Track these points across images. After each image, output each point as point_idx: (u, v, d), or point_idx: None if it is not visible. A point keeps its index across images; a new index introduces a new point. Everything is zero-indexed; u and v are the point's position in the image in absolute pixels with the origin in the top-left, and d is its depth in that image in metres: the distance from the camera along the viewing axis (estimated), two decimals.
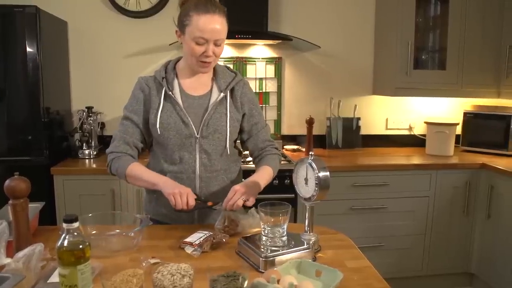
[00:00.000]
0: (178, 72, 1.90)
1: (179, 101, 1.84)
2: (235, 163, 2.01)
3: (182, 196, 1.66)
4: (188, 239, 1.59)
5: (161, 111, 1.82)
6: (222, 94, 1.87)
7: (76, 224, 1.14)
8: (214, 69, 1.93)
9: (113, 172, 1.86)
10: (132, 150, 1.88)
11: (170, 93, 1.83)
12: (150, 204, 1.96)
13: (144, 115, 1.86)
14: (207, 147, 1.85)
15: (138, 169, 1.81)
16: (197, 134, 1.83)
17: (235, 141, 2.01)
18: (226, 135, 1.86)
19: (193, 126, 1.82)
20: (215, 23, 1.71)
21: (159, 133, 1.81)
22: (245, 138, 2.01)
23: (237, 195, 1.68)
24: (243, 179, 2.08)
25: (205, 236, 1.59)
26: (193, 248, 1.55)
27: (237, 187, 1.71)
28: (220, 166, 1.90)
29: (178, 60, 1.94)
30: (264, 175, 1.87)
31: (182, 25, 1.76)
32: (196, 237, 1.59)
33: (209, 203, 1.75)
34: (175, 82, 1.88)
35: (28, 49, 2.88)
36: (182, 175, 1.83)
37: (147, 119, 1.86)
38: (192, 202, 1.67)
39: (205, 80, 1.91)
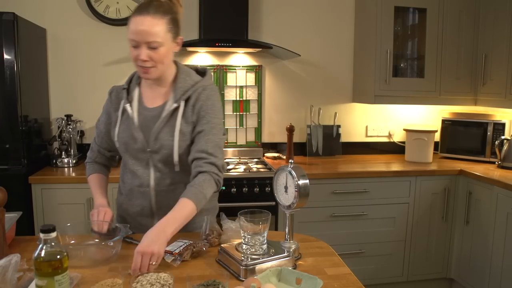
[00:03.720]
0: (142, 80, 1.85)
1: (134, 114, 1.79)
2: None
3: (99, 213, 1.71)
4: (168, 248, 1.57)
5: (119, 124, 1.81)
6: (174, 105, 1.75)
7: (53, 234, 1.13)
8: (176, 75, 1.82)
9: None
10: (101, 158, 1.98)
11: (127, 105, 1.79)
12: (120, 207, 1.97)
13: (107, 127, 1.89)
14: (157, 163, 1.78)
15: (91, 182, 1.91)
16: (148, 149, 1.77)
17: None
18: (173, 151, 1.75)
19: (143, 141, 1.76)
20: (144, 25, 1.61)
21: (117, 146, 1.83)
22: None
23: (145, 259, 1.41)
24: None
25: (185, 244, 1.58)
26: (173, 257, 1.53)
27: (141, 248, 1.41)
28: (178, 179, 1.80)
29: None
30: (177, 217, 1.57)
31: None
32: (176, 246, 1.58)
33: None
34: (136, 93, 1.83)
35: (6, 57, 2.84)
36: (140, 189, 1.82)
37: (108, 129, 1.90)
38: (107, 218, 1.71)
39: (164, 89, 1.81)
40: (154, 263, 1.41)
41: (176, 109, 1.75)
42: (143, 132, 1.77)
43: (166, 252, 1.56)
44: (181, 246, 1.58)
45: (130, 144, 1.78)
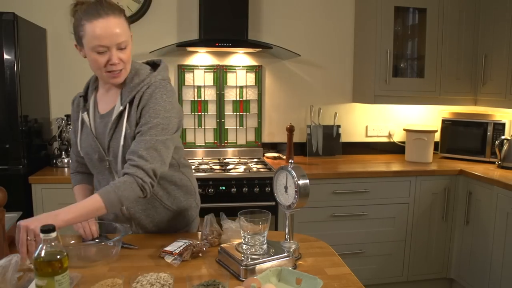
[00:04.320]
0: (100, 85, 1.78)
1: (90, 122, 1.73)
2: (171, 174, 1.83)
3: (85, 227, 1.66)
4: (168, 248, 1.58)
5: (80, 135, 1.77)
6: (120, 108, 1.66)
7: (53, 234, 1.12)
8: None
9: None
10: (81, 167, 1.95)
11: (84, 114, 1.74)
12: None
13: (75, 137, 1.84)
14: (117, 170, 1.70)
15: (75, 194, 1.91)
16: (107, 157, 1.71)
17: None
18: (118, 154, 1.67)
19: (101, 149, 1.71)
20: (111, 27, 1.54)
21: (82, 155, 1.80)
22: None
23: (23, 233, 1.35)
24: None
25: (185, 244, 1.59)
26: (173, 257, 1.54)
27: (22, 222, 1.38)
28: None
29: None
30: (79, 208, 1.51)
31: (78, 37, 1.59)
32: (176, 246, 1.59)
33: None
34: (92, 100, 1.77)
35: (6, 57, 2.84)
36: None
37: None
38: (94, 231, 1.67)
39: (115, 92, 1.73)
40: (30, 239, 1.34)
41: (121, 112, 1.67)
42: (99, 140, 1.72)
43: (166, 252, 1.56)
44: (181, 246, 1.58)
45: (91, 154, 1.74)
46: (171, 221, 1.87)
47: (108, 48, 1.55)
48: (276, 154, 3.80)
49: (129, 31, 1.62)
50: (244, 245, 1.49)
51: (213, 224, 1.72)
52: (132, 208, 1.78)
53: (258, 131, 3.86)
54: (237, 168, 3.29)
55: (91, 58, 1.58)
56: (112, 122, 1.67)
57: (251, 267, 1.42)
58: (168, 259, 1.54)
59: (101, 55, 1.56)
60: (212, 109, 3.76)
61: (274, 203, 3.02)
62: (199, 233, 1.76)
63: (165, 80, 1.72)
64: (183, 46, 3.40)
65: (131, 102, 1.66)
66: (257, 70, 3.78)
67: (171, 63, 3.64)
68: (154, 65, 1.81)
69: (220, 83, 3.73)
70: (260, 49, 3.58)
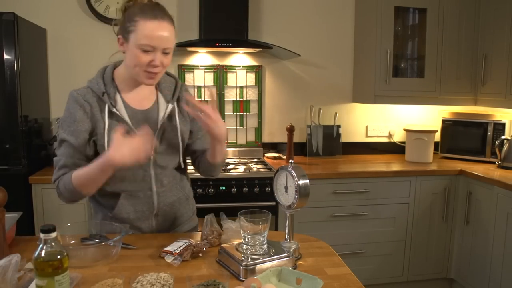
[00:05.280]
0: (118, 83, 1.75)
1: (126, 118, 1.69)
2: (183, 169, 1.91)
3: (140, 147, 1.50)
4: (168, 248, 1.58)
5: (108, 131, 1.67)
6: (171, 106, 1.79)
7: (53, 234, 1.12)
8: None
9: (63, 194, 1.65)
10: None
11: (115, 109, 1.68)
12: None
13: (84, 135, 1.67)
14: (162, 163, 1.77)
15: (80, 170, 1.60)
16: (151, 151, 1.70)
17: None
18: (180, 149, 1.79)
19: None
20: (163, 30, 1.59)
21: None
22: (191, 141, 1.89)
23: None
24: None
25: (185, 244, 1.58)
26: (173, 257, 1.53)
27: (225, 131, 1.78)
28: (173, 177, 1.84)
29: (114, 67, 1.78)
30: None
31: (125, 31, 1.62)
32: (176, 246, 1.58)
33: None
34: (118, 96, 1.72)
35: (6, 57, 2.84)
36: (138, 193, 1.76)
37: (87, 139, 1.68)
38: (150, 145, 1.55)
39: (148, 90, 1.79)
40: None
41: (172, 109, 1.80)
42: None
43: (166, 252, 1.56)
44: (181, 246, 1.58)
45: None
46: (183, 210, 1.91)
47: (154, 49, 1.59)
48: (276, 154, 3.80)
49: (175, 40, 1.66)
50: (244, 245, 1.49)
51: (213, 224, 1.72)
52: (162, 202, 1.80)
53: (258, 131, 3.86)
54: (237, 168, 3.29)
55: (134, 53, 1.60)
56: (163, 117, 1.76)
57: (251, 267, 1.42)
58: (168, 259, 1.54)
59: (145, 53, 1.59)
60: None
61: (274, 203, 3.02)
62: (199, 233, 1.76)
63: None
64: (183, 46, 3.40)
65: (177, 99, 1.83)
66: (257, 70, 3.78)
67: (171, 63, 3.64)
68: None
69: (220, 83, 3.73)
70: (260, 49, 3.57)
